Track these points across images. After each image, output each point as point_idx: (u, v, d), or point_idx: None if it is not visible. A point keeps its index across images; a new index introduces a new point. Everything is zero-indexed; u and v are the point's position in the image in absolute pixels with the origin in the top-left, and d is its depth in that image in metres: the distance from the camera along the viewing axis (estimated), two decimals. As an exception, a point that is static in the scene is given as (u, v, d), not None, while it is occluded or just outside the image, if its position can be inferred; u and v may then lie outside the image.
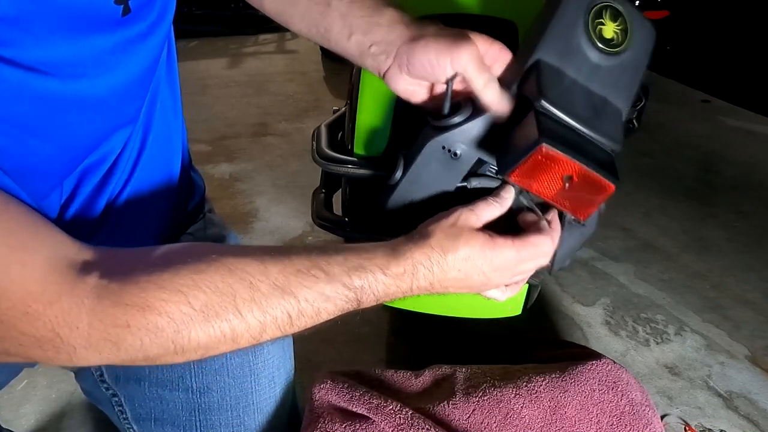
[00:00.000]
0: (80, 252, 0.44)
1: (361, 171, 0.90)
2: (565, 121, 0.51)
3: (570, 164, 0.50)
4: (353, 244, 0.51)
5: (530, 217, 0.57)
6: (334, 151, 0.94)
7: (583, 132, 0.52)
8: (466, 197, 0.59)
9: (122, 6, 0.51)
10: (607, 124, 0.53)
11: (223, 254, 0.46)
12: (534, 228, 0.55)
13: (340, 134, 1.05)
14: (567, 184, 0.52)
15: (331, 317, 0.48)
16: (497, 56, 0.56)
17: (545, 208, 0.58)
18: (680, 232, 1.81)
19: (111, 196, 0.60)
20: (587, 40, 0.54)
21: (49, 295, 0.41)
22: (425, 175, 0.59)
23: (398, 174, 0.60)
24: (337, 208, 1.03)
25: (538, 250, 0.53)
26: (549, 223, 0.56)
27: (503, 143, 0.55)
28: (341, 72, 3.31)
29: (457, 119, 0.57)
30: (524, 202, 0.58)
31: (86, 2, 0.47)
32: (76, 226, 0.58)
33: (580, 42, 0.54)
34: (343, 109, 1.09)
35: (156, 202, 0.66)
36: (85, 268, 0.43)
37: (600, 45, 0.54)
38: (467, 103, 0.57)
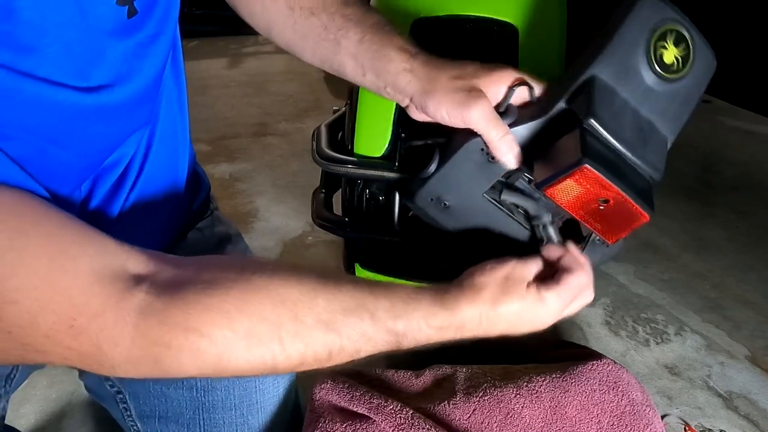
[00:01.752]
0: (128, 260, 0.43)
1: (361, 171, 0.90)
2: (610, 143, 0.51)
3: (609, 188, 0.50)
4: (401, 285, 0.50)
5: (555, 252, 0.57)
6: (334, 151, 0.94)
7: (626, 156, 0.51)
8: (495, 214, 0.58)
9: (127, 7, 0.50)
10: (651, 151, 0.53)
11: (273, 278, 0.45)
12: (566, 269, 0.55)
13: (340, 134, 1.05)
14: (602, 207, 0.52)
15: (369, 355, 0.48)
16: (520, 93, 0.56)
17: (571, 232, 0.57)
18: (680, 232, 1.81)
19: (124, 195, 0.60)
20: (646, 62, 0.52)
21: (93, 308, 0.40)
22: (458, 174, 0.59)
23: (432, 167, 0.60)
24: (337, 208, 1.03)
25: (580, 291, 0.54)
26: (575, 257, 0.56)
27: (543, 155, 0.55)
28: (341, 72, 3.31)
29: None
30: (553, 236, 0.58)
31: (89, 6, 0.47)
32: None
33: (639, 63, 0.52)
34: (343, 109, 1.09)
35: (165, 198, 0.66)
36: (132, 280, 0.42)
37: (658, 69, 0.53)
38: (514, 108, 0.56)
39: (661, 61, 0.53)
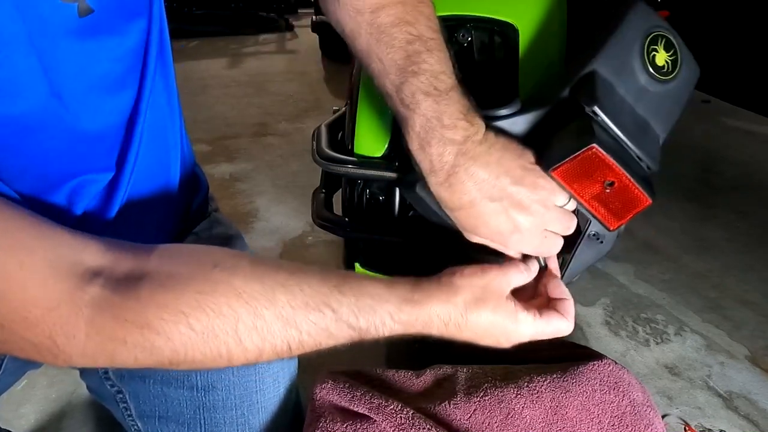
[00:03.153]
0: (84, 251, 0.43)
1: (361, 171, 0.90)
2: (613, 131, 0.53)
3: (616, 170, 0.51)
4: (372, 278, 0.51)
5: (552, 285, 0.57)
6: (334, 151, 0.94)
7: (627, 145, 0.53)
8: None
9: (76, 4, 0.48)
10: (648, 143, 0.55)
11: (233, 273, 0.45)
12: (557, 305, 0.55)
13: (340, 134, 1.05)
14: (607, 189, 0.53)
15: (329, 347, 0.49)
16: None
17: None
18: (680, 232, 1.81)
19: (113, 199, 0.60)
20: (640, 62, 0.56)
21: (48, 301, 0.40)
22: None
23: None
24: (337, 208, 1.03)
25: (557, 332, 0.54)
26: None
27: (547, 141, 0.56)
28: (341, 72, 3.31)
29: (504, 111, 0.58)
30: (541, 261, 0.59)
31: (29, 6, 0.45)
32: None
33: (634, 63, 0.55)
34: (343, 109, 1.09)
35: (158, 201, 0.66)
36: (88, 274, 0.42)
37: (651, 70, 0.56)
38: (517, 100, 0.58)
39: (654, 63, 0.56)
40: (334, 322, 0.47)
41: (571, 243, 0.60)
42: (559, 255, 0.60)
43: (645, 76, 0.55)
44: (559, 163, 0.52)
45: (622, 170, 0.51)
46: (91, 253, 0.44)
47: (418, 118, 0.53)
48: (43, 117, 0.50)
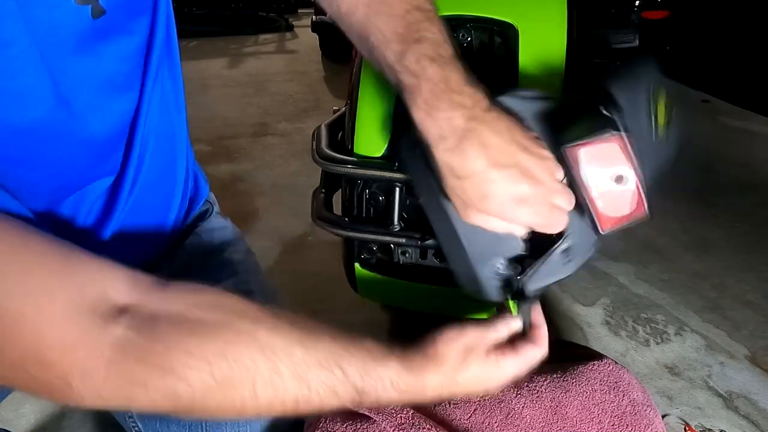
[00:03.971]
0: (110, 287, 0.42)
1: (361, 171, 0.90)
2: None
3: (633, 166, 0.51)
4: (372, 344, 0.51)
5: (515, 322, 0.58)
6: (334, 151, 0.94)
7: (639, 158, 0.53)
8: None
9: (90, 6, 0.48)
10: (648, 168, 0.55)
11: (257, 325, 0.45)
12: (532, 332, 0.57)
13: (340, 134, 1.05)
14: (615, 182, 0.52)
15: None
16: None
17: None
18: (680, 232, 1.81)
19: (120, 203, 0.59)
20: (647, 108, 0.55)
21: (65, 343, 0.39)
22: None
23: None
24: (337, 208, 1.03)
25: (532, 362, 0.55)
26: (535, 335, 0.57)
27: (567, 119, 0.55)
28: (341, 72, 3.31)
29: (525, 93, 0.58)
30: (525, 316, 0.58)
31: (39, 13, 0.45)
32: (87, 236, 0.57)
33: (642, 107, 0.55)
34: (343, 109, 1.09)
35: (164, 203, 0.66)
36: (112, 312, 0.41)
37: (653, 117, 0.55)
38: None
39: (656, 116, 0.56)
40: (342, 384, 0.47)
41: (539, 252, 0.58)
42: (526, 264, 0.59)
43: (648, 125, 0.55)
44: (577, 142, 0.51)
45: (638, 168, 0.51)
46: (118, 289, 0.42)
47: (424, 83, 0.51)
48: (52, 125, 0.49)
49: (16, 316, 0.38)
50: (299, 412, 0.47)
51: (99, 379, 0.40)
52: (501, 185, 0.51)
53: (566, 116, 0.56)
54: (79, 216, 0.57)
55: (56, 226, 0.54)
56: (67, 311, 0.40)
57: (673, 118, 0.56)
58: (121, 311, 0.42)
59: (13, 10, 0.43)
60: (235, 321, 0.45)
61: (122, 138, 0.59)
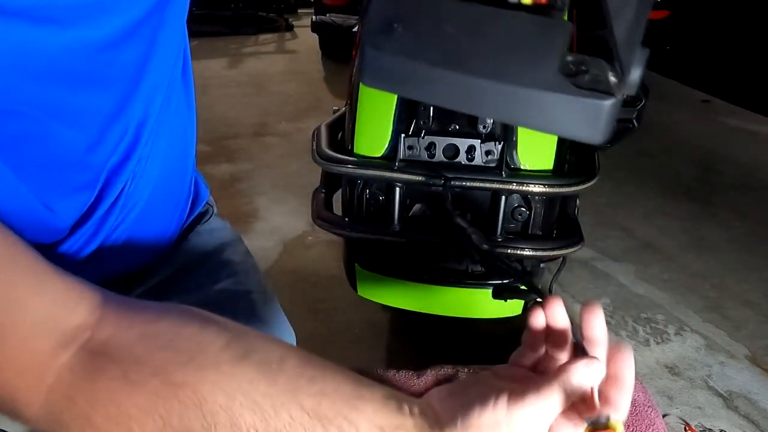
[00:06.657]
0: (75, 308, 0.40)
1: (361, 171, 0.90)
2: None
3: None
4: (389, 392, 0.43)
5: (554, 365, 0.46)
6: (334, 151, 0.94)
7: None
8: None
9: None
10: None
11: (213, 366, 0.39)
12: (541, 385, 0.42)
13: (340, 134, 1.05)
14: None
15: None
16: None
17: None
18: (680, 232, 1.81)
19: (130, 203, 0.59)
20: None
21: (17, 365, 0.39)
22: None
23: None
24: (338, 208, 1.03)
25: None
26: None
27: None
28: (341, 72, 3.32)
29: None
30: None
31: None
32: (94, 238, 0.57)
33: None
34: (343, 109, 1.09)
35: (171, 208, 0.66)
36: (68, 336, 0.39)
37: None
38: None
39: None
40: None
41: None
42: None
43: None
44: None
45: None
46: (81, 312, 0.40)
47: None
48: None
49: None
50: None
51: (35, 409, 0.39)
52: None
53: None
54: (95, 212, 0.57)
55: (66, 220, 0.54)
56: (29, 331, 0.39)
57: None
58: (74, 335, 0.40)
59: None
60: (185, 362, 0.39)
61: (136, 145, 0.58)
